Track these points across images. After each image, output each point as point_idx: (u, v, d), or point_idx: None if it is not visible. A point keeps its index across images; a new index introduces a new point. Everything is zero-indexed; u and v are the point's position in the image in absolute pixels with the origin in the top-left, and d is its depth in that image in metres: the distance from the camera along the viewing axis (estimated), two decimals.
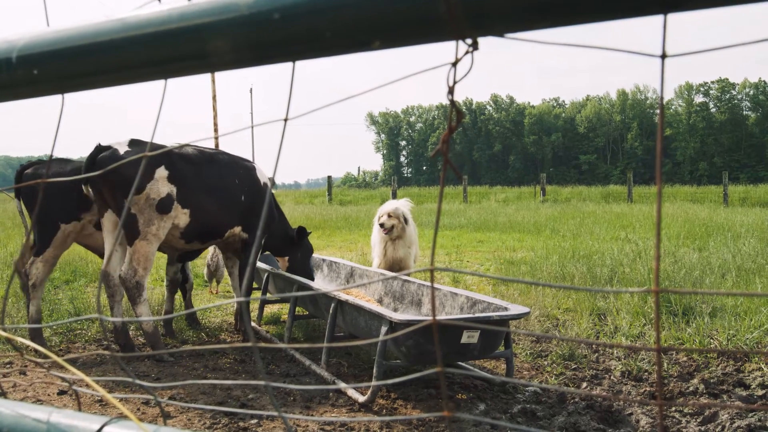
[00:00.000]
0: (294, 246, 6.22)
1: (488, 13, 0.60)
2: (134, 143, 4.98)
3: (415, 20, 0.63)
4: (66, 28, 0.85)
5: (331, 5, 0.65)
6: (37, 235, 5.26)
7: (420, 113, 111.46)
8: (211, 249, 7.83)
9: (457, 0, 0.60)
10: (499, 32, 0.62)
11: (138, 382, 0.85)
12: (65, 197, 5.20)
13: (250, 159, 5.86)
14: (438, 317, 4.50)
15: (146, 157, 0.91)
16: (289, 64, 0.76)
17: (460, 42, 0.64)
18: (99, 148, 4.92)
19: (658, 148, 0.59)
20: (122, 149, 4.91)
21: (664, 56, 0.59)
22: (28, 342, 1.07)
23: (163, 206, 4.93)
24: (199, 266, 9.19)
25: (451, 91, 0.65)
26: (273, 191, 6.24)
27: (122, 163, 0.96)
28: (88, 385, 0.95)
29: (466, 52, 0.64)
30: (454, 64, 0.64)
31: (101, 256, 5.72)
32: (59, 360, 0.93)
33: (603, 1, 0.57)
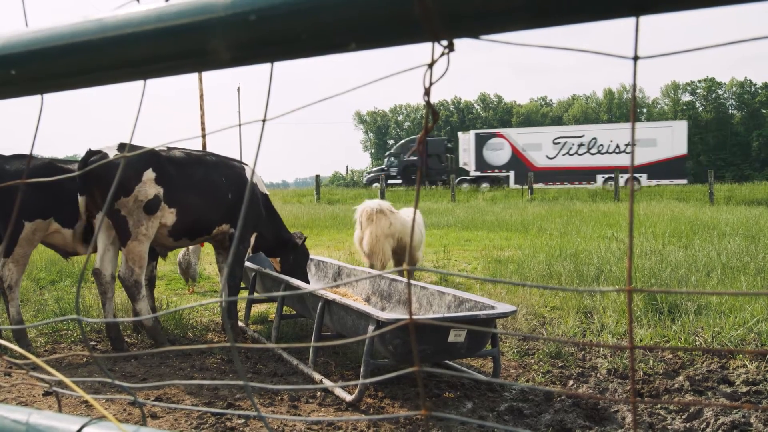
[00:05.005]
0: (287, 248, 6.23)
1: (463, 15, 0.61)
2: (123, 147, 5.02)
3: (391, 22, 0.64)
4: (44, 28, 0.85)
5: (307, 7, 0.66)
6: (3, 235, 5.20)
7: (408, 112, 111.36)
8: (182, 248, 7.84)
9: (432, 2, 0.60)
10: (474, 34, 0.63)
11: (117, 383, 0.85)
12: (28, 194, 5.14)
13: (238, 159, 5.94)
14: (423, 316, 4.51)
15: (132, 159, 0.91)
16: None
17: (436, 44, 0.64)
18: (90, 153, 5.01)
19: (632, 147, 0.60)
20: (111, 153, 5.01)
21: (636, 58, 0.60)
22: (8, 344, 1.06)
23: (151, 207, 5.05)
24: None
25: (427, 92, 0.65)
26: (263, 191, 6.24)
27: (104, 162, 0.96)
28: (68, 387, 0.95)
29: (442, 54, 0.64)
30: (430, 66, 0.65)
31: (63, 255, 5.73)
32: (38, 361, 0.93)
33: (575, 4, 0.58)
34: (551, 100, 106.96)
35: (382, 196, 27.86)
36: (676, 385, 4.34)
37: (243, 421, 3.73)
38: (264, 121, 0.76)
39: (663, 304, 6.04)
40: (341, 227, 16.10)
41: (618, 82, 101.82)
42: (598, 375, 4.63)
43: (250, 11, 0.68)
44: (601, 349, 5.16)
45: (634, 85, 0.59)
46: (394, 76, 0.73)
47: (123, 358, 5.03)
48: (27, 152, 5.45)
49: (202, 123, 26.28)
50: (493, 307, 4.15)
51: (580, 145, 37.74)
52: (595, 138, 37.75)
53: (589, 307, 6.38)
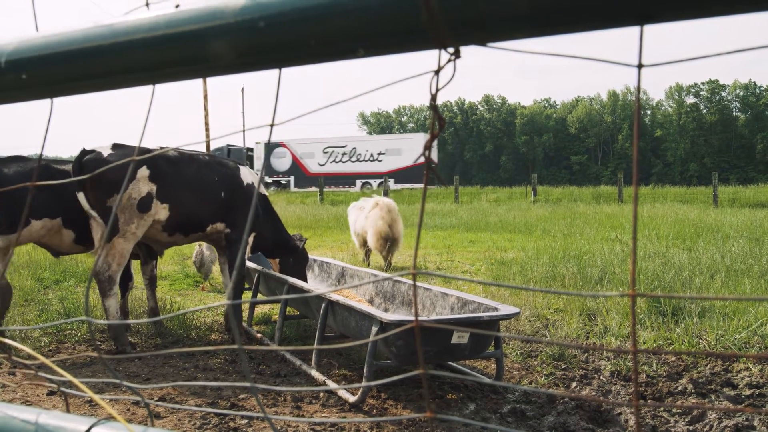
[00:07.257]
0: (286, 250, 6.25)
1: (469, 22, 0.62)
2: (117, 147, 5.23)
3: (398, 29, 0.65)
4: (55, 33, 0.86)
5: (316, 14, 0.66)
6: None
7: (411, 113, 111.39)
8: (196, 246, 8.03)
9: (439, 10, 0.61)
10: (481, 41, 0.64)
11: (125, 383, 0.86)
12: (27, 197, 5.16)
13: (234, 159, 6.01)
14: (428, 317, 4.52)
15: (133, 161, 0.92)
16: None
17: (443, 51, 0.65)
18: (84, 152, 5.11)
19: (635, 153, 0.60)
20: (105, 153, 5.12)
21: (640, 66, 0.60)
22: (15, 343, 1.07)
23: (143, 205, 5.12)
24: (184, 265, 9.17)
25: (433, 98, 0.66)
26: (268, 192, 6.33)
27: (108, 167, 0.97)
28: (75, 387, 0.96)
29: (449, 61, 0.65)
30: (437, 72, 0.66)
31: (54, 254, 5.76)
32: (46, 361, 0.94)
33: (580, 13, 0.59)
34: (555, 102, 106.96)
35: (386, 195, 27.97)
36: (680, 388, 4.33)
37: (246, 421, 3.74)
38: (272, 126, 0.77)
39: (666, 307, 6.04)
40: (344, 228, 16.09)
41: (622, 84, 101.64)
42: (602, 377, 4.63)
43: (259, 18, 0.69)
44: (605, 352, 5.16)
45: (638, 92, 0.60)
46: (400, 79, 0.74)
47: (127, 358, 5.04)
48: (27, 154, 5.52)
49: (206, 124, 26.32)
50: (496, 309, 4.15)
51: (344, 153, 44.11)
52: (355, 147, 43.88)
53: (592, 309, 6.38)
